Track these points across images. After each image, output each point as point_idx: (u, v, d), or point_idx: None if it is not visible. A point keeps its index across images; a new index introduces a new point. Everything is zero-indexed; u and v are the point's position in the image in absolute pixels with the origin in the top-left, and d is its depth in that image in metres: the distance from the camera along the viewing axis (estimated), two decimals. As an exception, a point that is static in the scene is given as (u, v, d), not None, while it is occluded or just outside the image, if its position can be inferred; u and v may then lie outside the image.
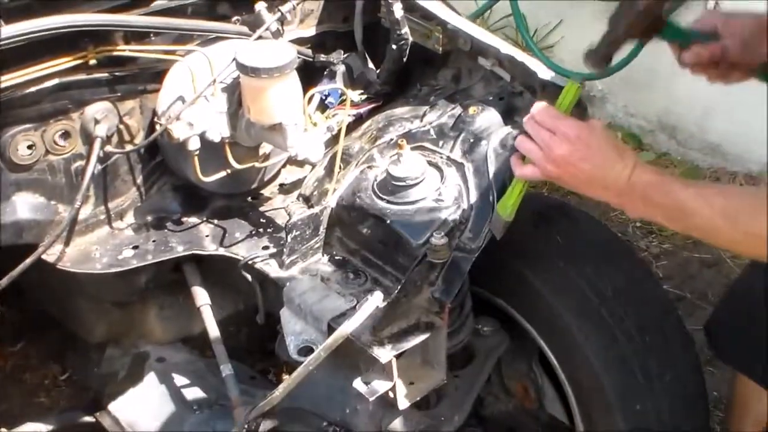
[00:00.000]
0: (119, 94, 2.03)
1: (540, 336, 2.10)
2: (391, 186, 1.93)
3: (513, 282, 2.09)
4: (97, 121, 1.99)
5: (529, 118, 1.72)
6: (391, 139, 2.05)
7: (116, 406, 2.28)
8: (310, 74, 2.22)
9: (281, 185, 2.27)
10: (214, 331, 2.11)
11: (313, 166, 2.08)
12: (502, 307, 2.15)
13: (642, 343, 2.03)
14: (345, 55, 2.22)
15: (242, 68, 1.91)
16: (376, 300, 1.76)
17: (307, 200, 2.11)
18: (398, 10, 2.08)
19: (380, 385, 1.85)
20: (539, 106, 1.72)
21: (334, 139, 2.13)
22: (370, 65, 2.23)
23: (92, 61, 1.93)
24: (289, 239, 1.97)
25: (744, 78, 1.88)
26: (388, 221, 1.90)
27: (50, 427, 2.38)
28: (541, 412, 2.25)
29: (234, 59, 1.93)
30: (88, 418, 2.37)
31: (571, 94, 1.74)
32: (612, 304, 2.03)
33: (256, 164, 2.08)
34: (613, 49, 1.75)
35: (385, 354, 1.78)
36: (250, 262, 2.03)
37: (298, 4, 2.08)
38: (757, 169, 3.53)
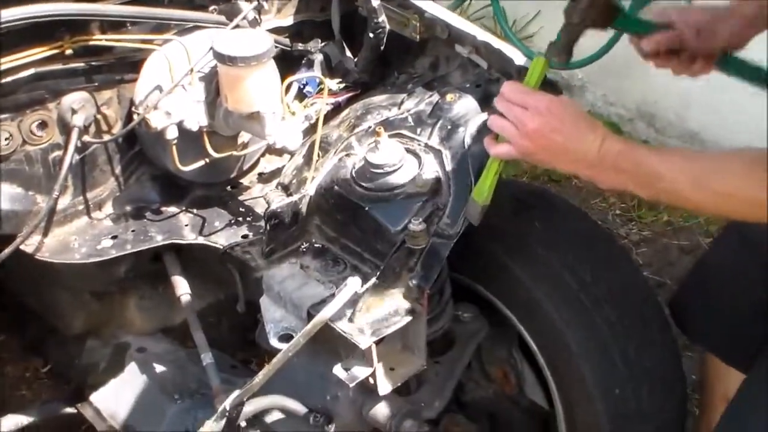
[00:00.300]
0: (96, 84, 2.02)
1: (519, 322, 2.10)
2: (369, 173, 1.93)
3: (492, 268, 2.10)
4: (74, 111, 1.98)
5: (499, 97, 1.74)
6: (369, 127, 2.05)
7: (97, 397, 2.29)
8: (288, 63, 2.22)
9: (260, 174, 2.28)
10: (194, 320, 2.11)
11: (291, 154, 2.08)
12: (481, 293, 2.16)
13: (621, 328, 2.04)
14: (322, 44, 2.22)
15: (219, 57, 1.92)
16: (353, 285, 1.77)
17: (285, 189, 2.11)
18: (375, -1, 2.08)
19: (360, 371, 1.85)
20: (508, 84, 1.74)
21: (312, 128, 2.13)
22: (348, 54, 2.23)
23: (68, 51, 1.93)
24: (268, 227, 1.97)
25: (707, 69, 1.91)
26: (366, 208, 1.90)
27: (32, 419, 2.37)
28: (521, 397, 2.25)
29: (211, 48, 1.93)
30: (69, 410, 2.37)
31: (538, 69, 1.75)
32: (591, 289, 2.04)
33: (234, 153, 2.08)
34: (573, 39, 1.76)
35: (364, 340, 1.78)
36: (229, 251, 2.03)
37: (272, -6, 2.08)
38: None
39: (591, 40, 3.47)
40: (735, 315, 2.05)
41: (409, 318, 1.85)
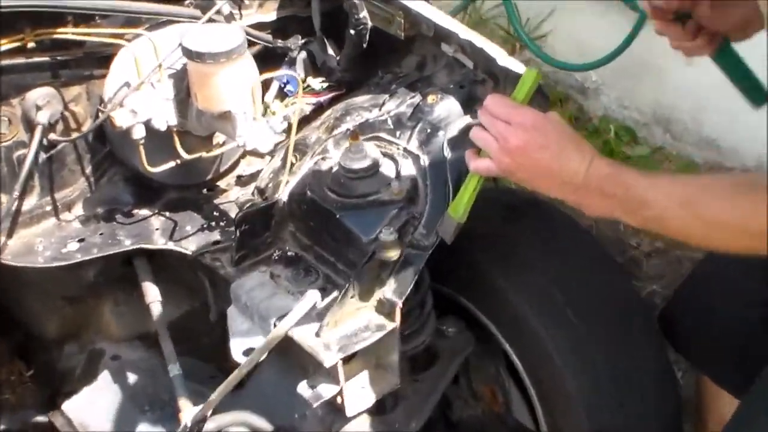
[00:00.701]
0: (63, 80, 1.94)
1: (504, 338, 2.01)
2: (343, 179, 1.83)
3: (477, 280, 2.01)
4: (38, 108, 1.90)
5: (483, 109, 1.62)
6: (347, 130, 1.95)
7: (69, 406, 2.19)
8: (271, 61, 2.13)
9: (239, 177, 2.18)
10: (162, 329, 2.02)
11: (262, 156, 1.99)
12: (466, 306, 2.06)
13: (610, 346, 1.94)
14: (303, 41, 2.12)
15: (188, 53, 1.82)
16: (312, 298, 1.67)
17: (262, 192, 2.02)
18: (356, -6, 1.98)
19: (326, 390, 1.74)
20: (493, 97, 1.62)
21: (291, 129, 2.03)
22: (330, 51, 2.13)
23: (31, 44, 1.84)
24: (238, 234, 1.88)
25: (705, 50, 1.79)
26: (338, 216, 1.80)
27: (2, 427, 2.30)
28: (508, 416, 2.16)
29: (180, 44, 1.84)
30: (41, 418, 2.30)
31: (528, 82, 1.63)
32: (580, 305, 1.94)
33: (204, 154, 1.98)
34: None
35: (330, 357, 1.68)
36: (198, 258, 1.94)
37: (252, -13, 1.98)
38: (753, 164, 3.39)
39: (605, 40, 3.42)
40: (727, 333, 1.93)
41: (380, 334, 1.74)
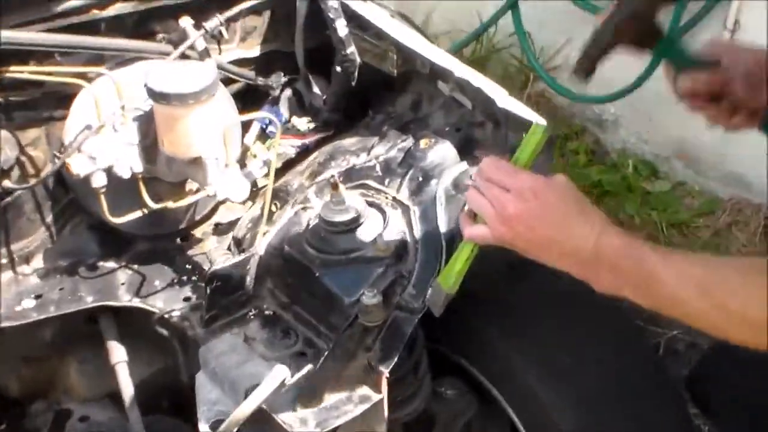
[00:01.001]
0: (19, 122, 1.77)
1: (508, 404, 1.82)
2: (323, 233, 1.65)
3: (478, 343, 1.83)
4: (-9, 152, 1.73)
5: (479, 172, 1.43)
6: (332, 176, 1.77)
7: (34, 470, 2.03)
8: (253, 99, 1.97)
9: (216, 225, 2.00)
10: (129, 392, 1.83)
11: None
12: (466, 368, 1.88)
13: (621, 413, 1.75)
14: (288, 78, 1.95)
15: (152, 94, 1.65)
16: (279, 374, 1.47)
17: (239, 244, 1.84)
18: (342, 28, 1.81)
19: (305, 467, 1.57)
20: (490, 160, 1.43)
21: (275, 173, 1.86)
22: (316, 89, 1.95)
23: (-19, 84, 1.68)
24: (208, 291, 1.70)
25: (748, 125, 1.60)
26: (317, 274, 1.62)
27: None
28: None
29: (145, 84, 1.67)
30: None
31: (534, 139, 1.45)
32: (591, 369, 1.76)
33: (170, 204, 1.79)
34: (599, 55, 1.49)
35: (305, 435, 1.50)
36: (166, 317, 1.76)
37: (226, 22, 1.81)
38: None
39: (623, 71, 3.22)
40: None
41: (364, 407, 1.57)
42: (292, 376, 1.50)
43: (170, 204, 1.78)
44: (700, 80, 1.57)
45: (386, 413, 1.65)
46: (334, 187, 1.64)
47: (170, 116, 1.67)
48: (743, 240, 3.20)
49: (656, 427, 1.79)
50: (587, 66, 1.53)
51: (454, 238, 1.58)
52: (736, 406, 1.81)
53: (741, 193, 3.34)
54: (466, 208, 1.47)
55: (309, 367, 1.52)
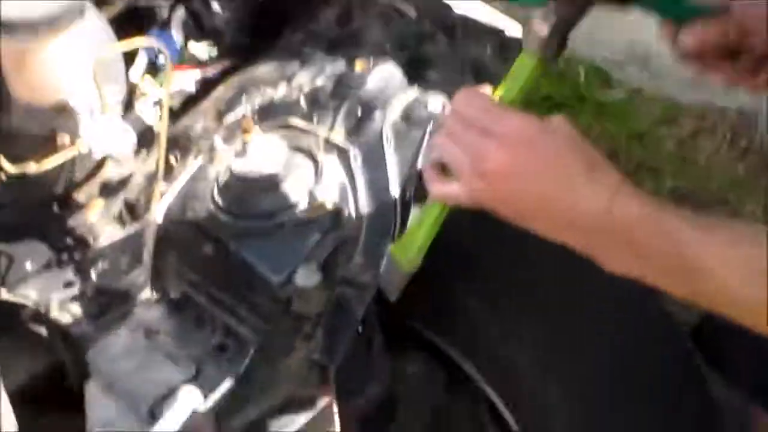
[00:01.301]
0: None
1: (483, 377, 1.57)
2: (237, 190, 1.29)
3: (445, 308, 1.55)
4: None
5: (451, 110, 1.05)
6: (244, 116, 1.40)
7: None
8: (139, 24, 1.57)
9: (104, 184, 1.59)
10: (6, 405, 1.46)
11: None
12: (430, 339, 1.61)
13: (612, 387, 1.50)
14: (180, -5, 1.55)
15: (-7, 22, 1.24)
16: (189, 401, 1.11)
17: (131, 209, 1.46)
18: None
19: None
20: (465, 93, 1.05)
21: (172, 115, 1.48)
22: (216, 7, 1.55)
23: None
24: (93, 275, 1.33)
25: None
26: (231, 248, 1.25)
27: None
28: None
29: (-17, 8, 1.26)
30: None
31: (525, 71, 1.07)
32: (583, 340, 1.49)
33: (34, 165, 1.39)
34: (574, 22, 1.14)
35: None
36: (41, 310, 1.38)
37: None
38: (751, 104, 2.95)
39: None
40: None
41: (309, 415, 1.26)
42: (210, 392, 1.14)
43: (33, 165, 1.37)
44: (709, 33, 1.20)
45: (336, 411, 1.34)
46: (247, 129, 1.27)
47: (19, 51, 1.26)
48: (710, 149, 2.97)
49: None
50: (560, 41, 1.14)
51: (409, 188, 1.22)
52: (745, 356, 1.64)
53: (703, 97, 3.09)
54: (432, 156, 1.08)
55: (228, 383, 1.16)
